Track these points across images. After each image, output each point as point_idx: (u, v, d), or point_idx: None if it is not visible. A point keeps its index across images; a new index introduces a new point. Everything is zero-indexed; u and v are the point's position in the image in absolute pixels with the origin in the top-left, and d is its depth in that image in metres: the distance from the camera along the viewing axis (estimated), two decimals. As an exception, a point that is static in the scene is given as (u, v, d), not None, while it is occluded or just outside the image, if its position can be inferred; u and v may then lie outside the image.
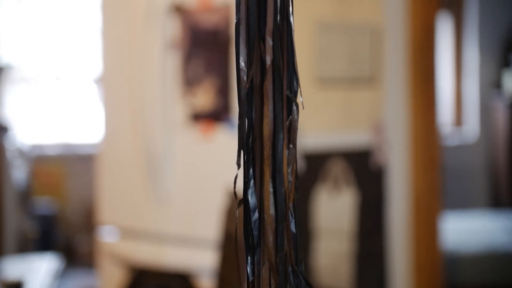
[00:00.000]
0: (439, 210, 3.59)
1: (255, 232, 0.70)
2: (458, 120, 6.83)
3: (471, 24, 6.74)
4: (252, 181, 0.70)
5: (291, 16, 0.70)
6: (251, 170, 0.70)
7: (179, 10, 3.23)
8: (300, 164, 3.15)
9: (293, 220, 0.71)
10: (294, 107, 0.69)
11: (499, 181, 6.66)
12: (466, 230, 4.81)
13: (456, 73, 6.81)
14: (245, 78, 0.70)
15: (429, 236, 3.56)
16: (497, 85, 6.78)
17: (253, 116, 0.69)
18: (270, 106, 0.68)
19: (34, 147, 5.99)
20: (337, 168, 3.26)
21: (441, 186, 3.60)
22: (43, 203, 5.72)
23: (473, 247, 4.48)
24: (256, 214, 0.70)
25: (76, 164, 6.17)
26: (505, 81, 6.70)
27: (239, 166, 0.70)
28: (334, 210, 3.26)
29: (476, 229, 4.84)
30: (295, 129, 0.69)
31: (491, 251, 4.46)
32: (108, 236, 3.56)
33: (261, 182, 0.69)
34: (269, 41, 0.68)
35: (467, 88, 6.80)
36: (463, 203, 6.66)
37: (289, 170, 0.69)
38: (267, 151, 0.68)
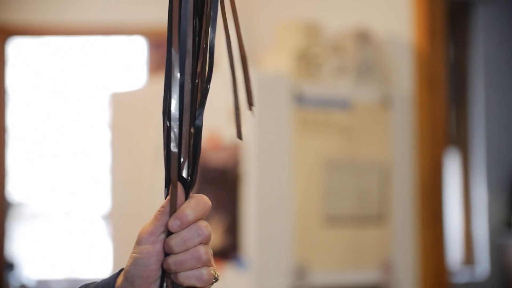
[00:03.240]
0: None
1: None
2: (468, 257, 6.77)
3: (479, 161, 6.77)
4: None
5: None
6: None
7: (188, 148, 3.26)
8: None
9: None
10: None
11: (512, 321, 6.53)
12: None
13: (464, 210, 6.79)
14: None
15: None
16: (507, 223, 6.75)
17: None
18: None
19: (40, 282, 5.94)
20: (346, 308, 3.22)
21: (452, 327, 3.53)
22: None
23: None
24: None
25: (82, 300, 6.10)
26: (514, 219, 6.68)
27: None
28: None
29: None
30: None
31: None
32: None
33: None
34: None
35: (476, 225, 6.77)
36: None
37: None
38: None
